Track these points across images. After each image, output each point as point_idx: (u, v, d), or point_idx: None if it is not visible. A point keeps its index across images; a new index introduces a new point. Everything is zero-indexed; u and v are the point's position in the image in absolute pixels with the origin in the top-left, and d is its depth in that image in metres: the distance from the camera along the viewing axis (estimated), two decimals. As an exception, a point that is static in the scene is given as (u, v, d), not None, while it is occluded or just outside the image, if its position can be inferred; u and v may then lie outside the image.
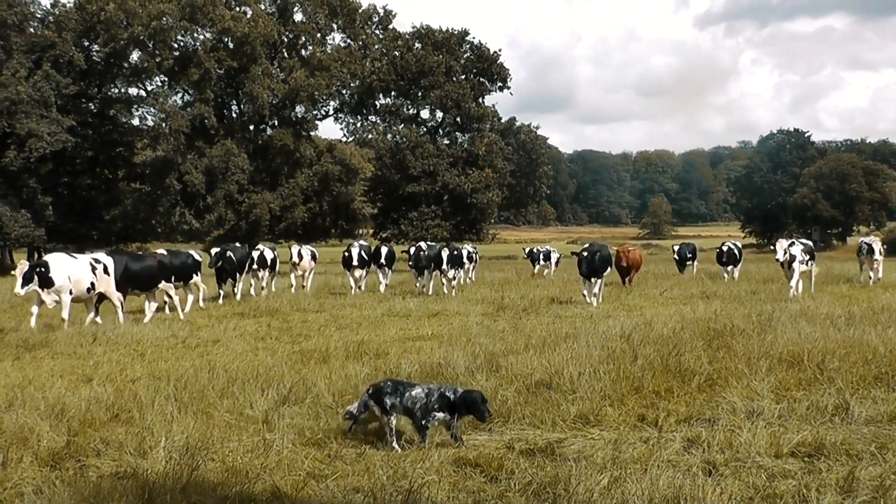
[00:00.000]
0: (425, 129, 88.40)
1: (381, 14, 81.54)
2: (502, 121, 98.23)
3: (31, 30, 70.72)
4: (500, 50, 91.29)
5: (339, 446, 9.78)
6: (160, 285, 26.98)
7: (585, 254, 29.96)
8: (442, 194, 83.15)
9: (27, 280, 22.67)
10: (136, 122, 77.35)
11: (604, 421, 10.68)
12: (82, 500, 7.61)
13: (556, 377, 12.34)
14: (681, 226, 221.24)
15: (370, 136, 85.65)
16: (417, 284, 35.66)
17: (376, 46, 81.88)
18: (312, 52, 75.56)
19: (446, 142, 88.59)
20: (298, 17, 76.63)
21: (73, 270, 23.48)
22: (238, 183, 69.18)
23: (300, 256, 37.35)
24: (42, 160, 66.53)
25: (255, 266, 34.88)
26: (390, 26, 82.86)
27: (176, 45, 71.36)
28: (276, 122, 75.09)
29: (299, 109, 75.02)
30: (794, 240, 31.33)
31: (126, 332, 21.45)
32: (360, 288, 35.86)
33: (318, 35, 76.68)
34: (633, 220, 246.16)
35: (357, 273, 36.12)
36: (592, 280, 29.45)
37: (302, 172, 72.33)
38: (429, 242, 38.67)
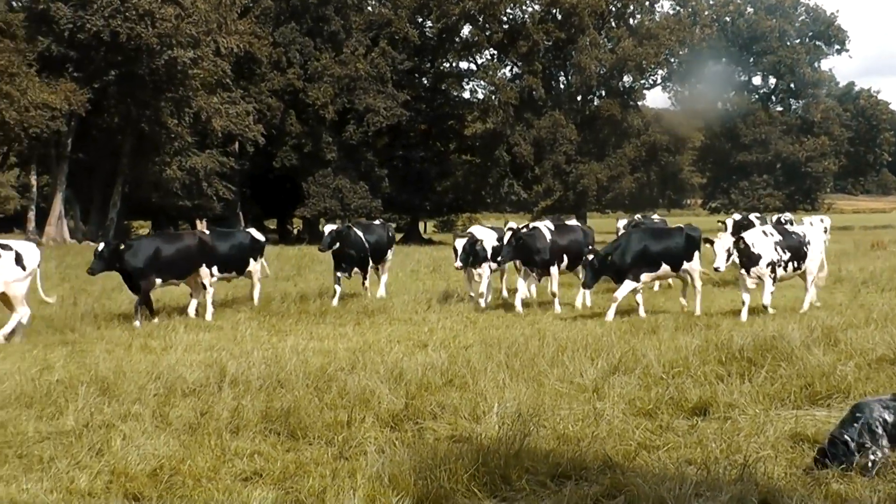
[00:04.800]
0: (757, 97, 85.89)
1: (711, -21, 79.84)
2: (840, 86, 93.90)
3: (369, 8, 74.12)
4: (837, 11, 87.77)
5: (671, 417, 9.64)
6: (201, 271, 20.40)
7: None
8: (774, 163, 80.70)
9: None
10: (466, 95, 79.76)
11: (957, 401, 9.99)
12: (421, 460, 7.85)
13: (900, 353, 11.66)
14: None
15: (699, 104, 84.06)
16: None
17: (706, 13, 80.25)
18: (640, 20, 75.04)
19: (779, 109, 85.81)
20: (627, -14, 76.12)
21: None
22: (566, 154, 69.75)
23: None
24: (378, 134, 69.75)
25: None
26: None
27: (505, 19, 72.67)
28: (604, 93, 75.08)
29: (627, 79, 74.74)
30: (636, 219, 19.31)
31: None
32: None
33: (647, 3, 75.95)
34: None
35: None
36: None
37: (629, 142, 72.12)
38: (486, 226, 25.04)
